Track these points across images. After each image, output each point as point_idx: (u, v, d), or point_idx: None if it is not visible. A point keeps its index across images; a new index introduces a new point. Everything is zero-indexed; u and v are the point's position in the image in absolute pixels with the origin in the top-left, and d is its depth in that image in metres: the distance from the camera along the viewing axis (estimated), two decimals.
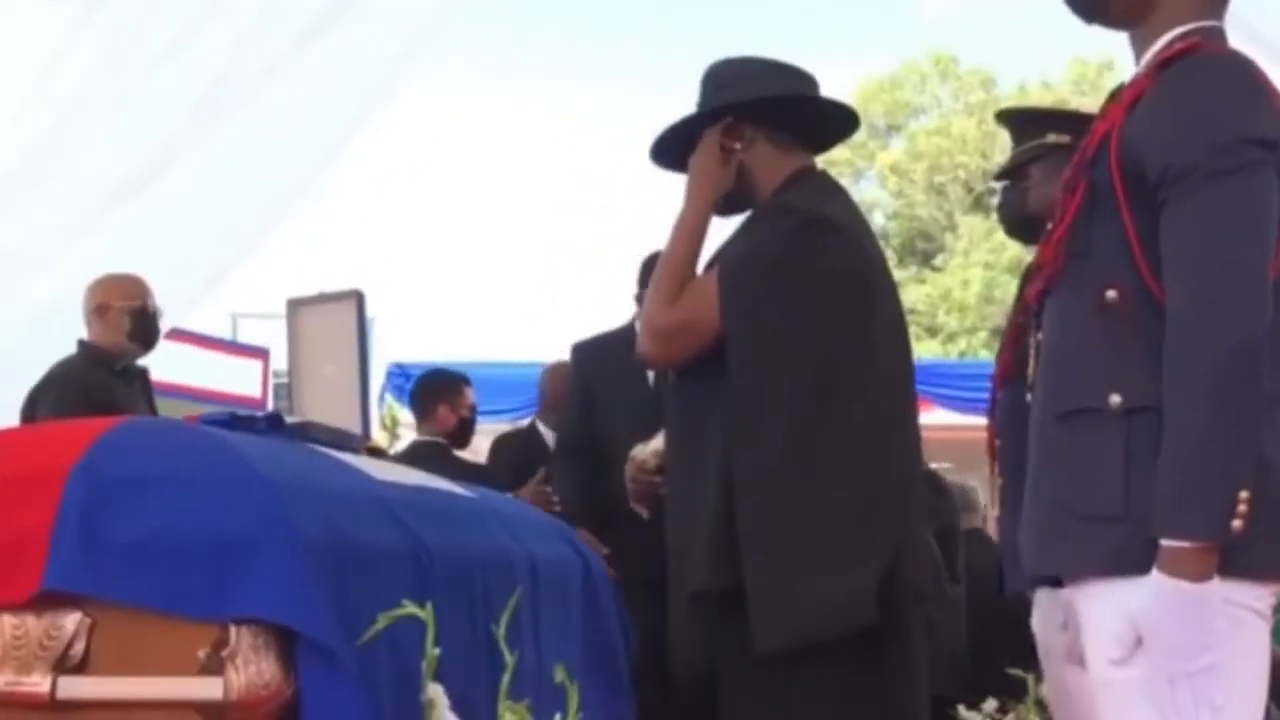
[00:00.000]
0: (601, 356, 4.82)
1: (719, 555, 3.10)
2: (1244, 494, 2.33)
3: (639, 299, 4.74)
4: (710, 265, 3.28)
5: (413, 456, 5.96)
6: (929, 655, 3.33)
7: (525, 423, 6.94)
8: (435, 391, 6.64)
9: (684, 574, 3.23)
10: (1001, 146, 4.37)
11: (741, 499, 3.08)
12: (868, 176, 29.96)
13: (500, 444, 6.64)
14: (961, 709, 5.44)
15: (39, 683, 2.51)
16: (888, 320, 3.30)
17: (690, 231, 3.32)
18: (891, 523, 3.11)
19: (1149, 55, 2.60)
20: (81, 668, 2.51)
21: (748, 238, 3.28)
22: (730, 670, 3.14)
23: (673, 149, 3.44)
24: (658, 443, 3.60)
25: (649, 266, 4.67)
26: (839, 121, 3.55)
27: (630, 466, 3.73)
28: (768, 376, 3.12)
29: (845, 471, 3.07)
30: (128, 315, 5.43)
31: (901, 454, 3.23)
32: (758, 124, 3.34)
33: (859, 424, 3.10)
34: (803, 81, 3.43)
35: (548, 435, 6.24)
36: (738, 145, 3.33)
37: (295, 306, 5.02)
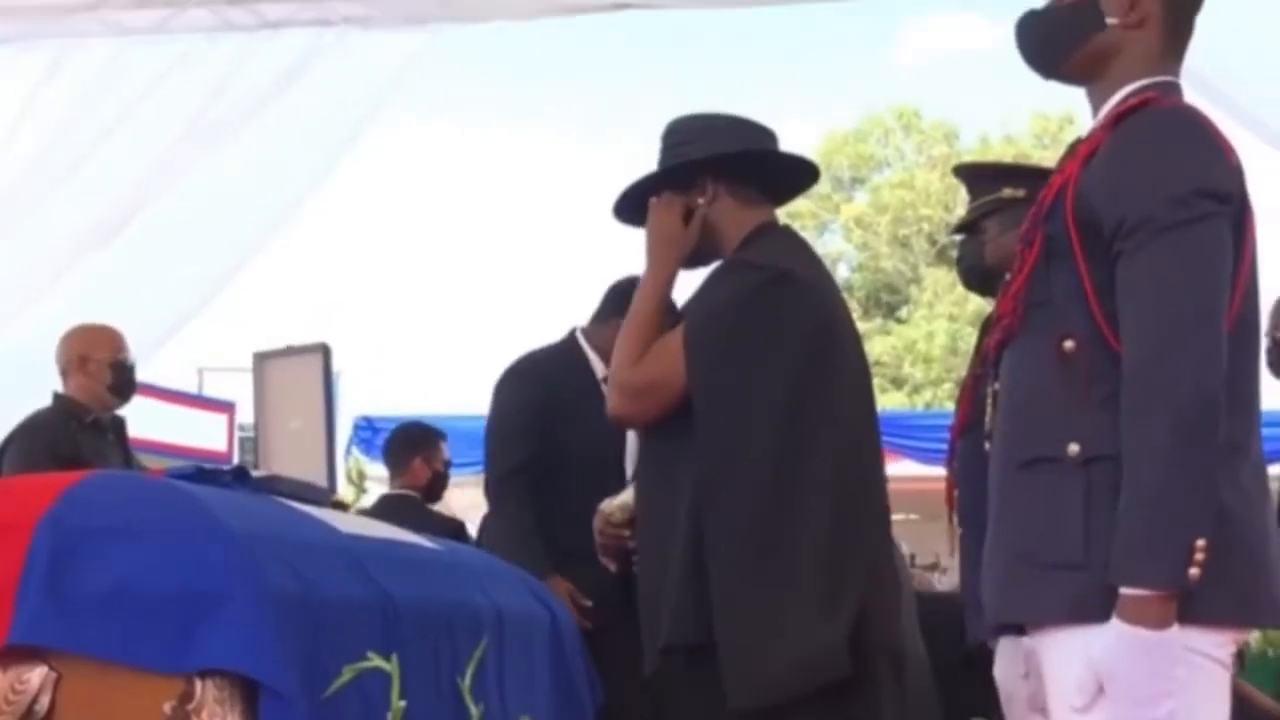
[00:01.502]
0: (561, 372, 4.76)
1: (689, 610, 3.11)
2: (1201, 542, 2.35)
3: (598, 319, 4.76)
4: (675, 321, 3.29)
5: (384, 509, 5.93)
6: (898, 703, 3.33)
7: None
8: (410, 444, 6.60)
9: (655, 627, 3.23)
10: (965, 199, 4.42)
11: (710, 554, 3.09)
12: (832, 229, 30.11)
13: None
14: None
15: None
16: (851, 374, 3.31)
17: (654, 292, 3.34)
18: (860, 575, 3.12)
19: (1105, 109, 2.65)
20: None
21: (712, 294, 3.30)
22: None
23: (636, 205, 3.47)
24: (626, 497, 3.61)
25: (618, 291, 4.67)
26: (799, 174, 3.58)
27: (598, 520, 3.74)
28: (733, 433, 3.14)
29: (812, 526, 3.07)
30: (109, 368, 5.40)
31: (867, 507, 3.24)
32: (719, 179, 3.36)
33: (824, 478, 3.11)
34: (762, 135, 3.46)
35: None
36: (701, 201, 3.36)
37: (261, 360, 5.02)
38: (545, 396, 4.68)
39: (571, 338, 4.79)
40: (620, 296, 4.50)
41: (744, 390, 3.14)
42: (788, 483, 3.09)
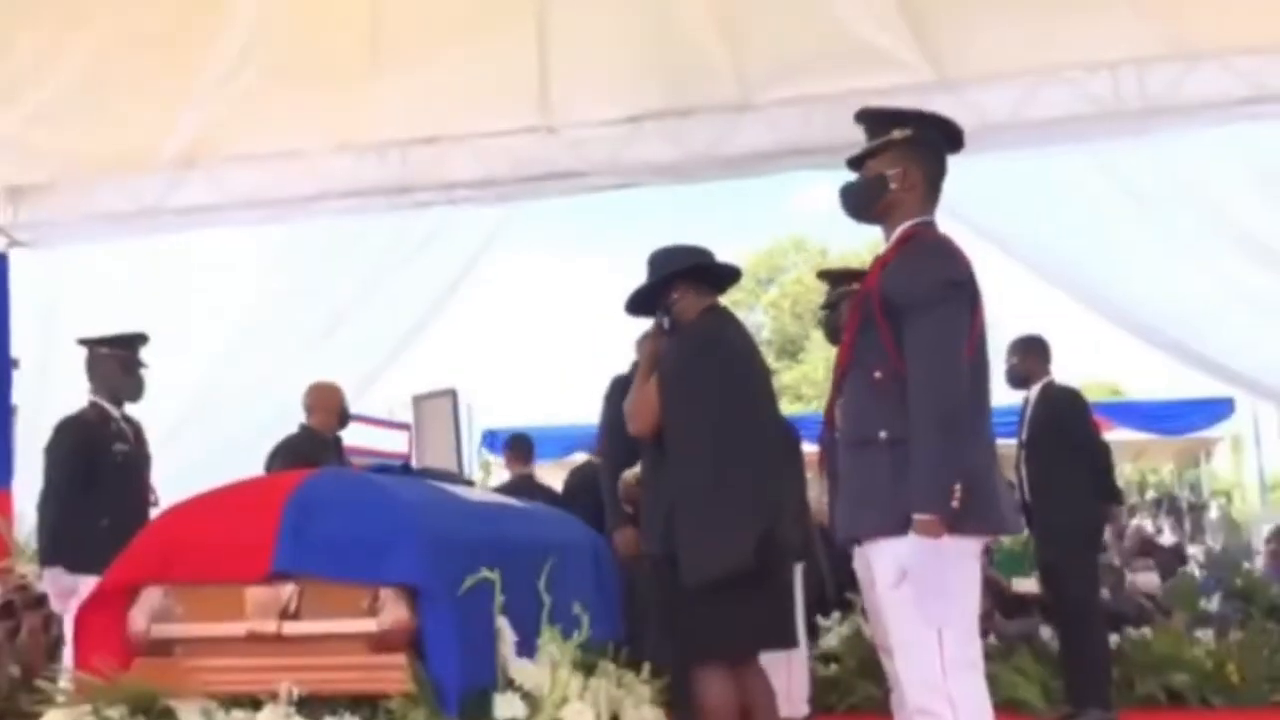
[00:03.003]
0: None
1: (667, 533, 3.14)
2: (958, 486, 2.37)
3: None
4: (653, 370, 3.33)
5: (517, 484, 5.78)
6: (808, 589, 3.32)
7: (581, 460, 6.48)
8: (530, 446, 6.48)
9: (651, 544, 3.27)
10: (825, 289, 4.46)
11: (675, 502, 3.13)
12: (755, 309, 30.04)
13: (574, 474, 5.88)
14: (820, 619, 5.45)
15: (271, 625, 2.54)
16: (756, 386, 3.32)
17: (646, 369, 3.34)
18: (764, 509, 3.10)
19: (893, 238, 2.66)
20: (296, 616, 2.54)
21: (673, 350, 3.31)
22: (673, 595, 3.16)
23: (639, 303, 3.48)
24: (637, 469, 3.64)
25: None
26: (731, 275, 3.56)
27: (621, 484, 3.80)
28: (686, 432, 3.16)
29: (732, 481, 3.08)
30: (338, 410, 5.29)
31: (770, 469, 3.21)
32: (684, 282, 3.37)
33: (739, 454, 3.11)
34: (703, 254, 3.46)
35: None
36: (675, 296, 3.35)
37: (417, 400, 5.05)
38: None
39: None
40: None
41: (692, 407, 3.16)
42: (716, 459, 3.10)
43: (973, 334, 2.49)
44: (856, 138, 2.80)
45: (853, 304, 2.73)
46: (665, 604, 3.21)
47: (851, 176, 2.76)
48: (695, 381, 3.17)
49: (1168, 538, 11.43)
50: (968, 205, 5.05)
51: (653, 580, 3.30)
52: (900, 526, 2.43)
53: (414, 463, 4.10)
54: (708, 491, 3.07)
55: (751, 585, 3.02)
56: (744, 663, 3.16)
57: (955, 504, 2.36)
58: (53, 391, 5.72)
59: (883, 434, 2.50)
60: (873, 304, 2.55)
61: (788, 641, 3.34)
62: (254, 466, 4.68)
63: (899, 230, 2.63)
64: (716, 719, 3.06)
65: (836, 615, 5.48)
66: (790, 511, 3.38)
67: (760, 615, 3.08)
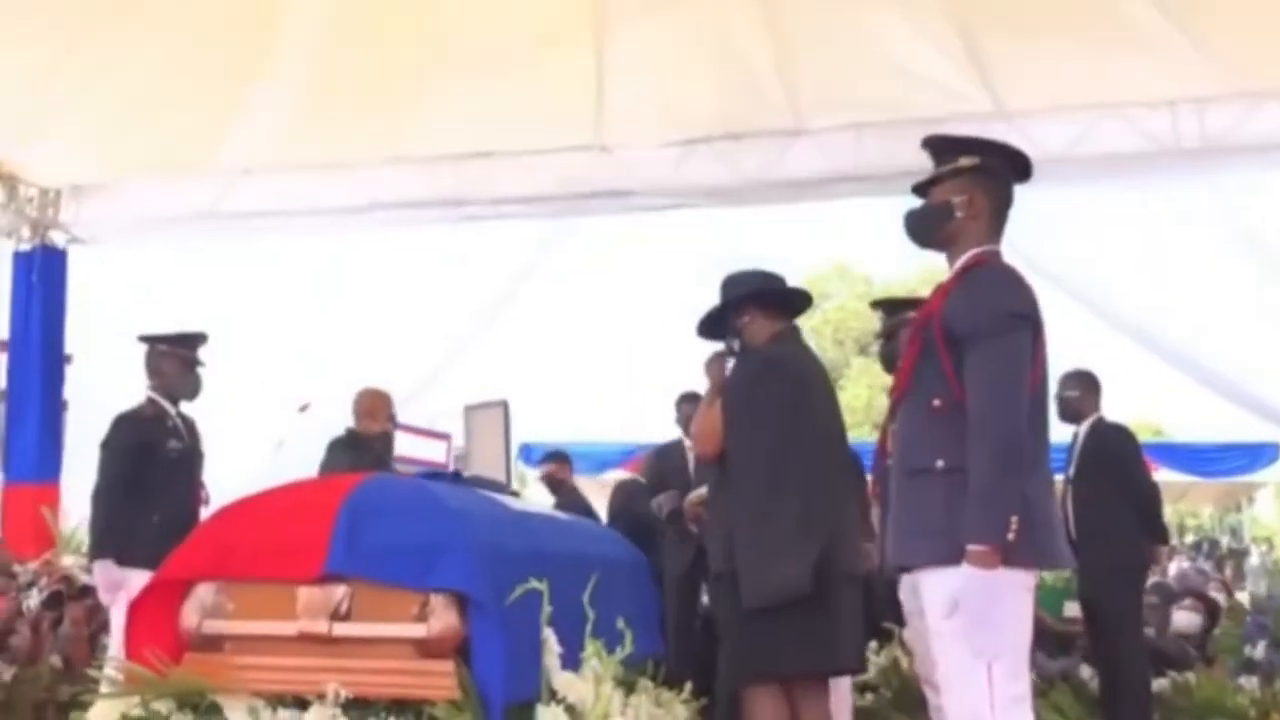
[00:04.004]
0: None
1: (729, 552, 3.12)
2: (1014, 518, 2.33)
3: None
4: (718, 394, 3.32)
5: (570, 499, 5.74)
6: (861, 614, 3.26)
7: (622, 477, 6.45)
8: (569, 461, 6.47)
9: (714, 562, 3.25)
10: (880, 317, 4.41)
11: (733, 523, 3.11)
12: None
13: (617, 491, 5.84)
14: None
15: (322, 626, 2.56)
16: (821, 412, 3.28)
17: (711, 395, 3.34)
18: (822, 532, 3.07)
19: (956, 265, 2.61)
20: (346, 617, 2.55)
21: (736, 373, 3.30)
22: (730, 615, 3.15)
23: (711, 327, 3.44)
24: (702, 491, 3.63)
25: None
26: (801, 299, 3.52)
27: (687, 505, 3.81)
28: (745, 453, 3.13)
29: (790, 504, 3.04)
30: (389, 416, 5.13)
31: (830, 492, 3.17)
32: (754, 306, 3.34)
33: (798, 477, 3.08)
34: (774, 279, 3.44)
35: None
36: (745, 319, 3.33)
37: (469, 410, 5.09)
38: None
39: None
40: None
41: (753, 431, 3.13)
42: (772, 482, 3.07)
43: (1035, 366, 2.45)
44: (909, 165, 2.78)
45: (912, 329, 2.69)
46: (727, 623, 3.19)
47: (914, 202, 2.72)
48: (757, 405, 3.15)
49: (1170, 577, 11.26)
50: (1020, 237, 5.00)
51: (716, 597, 3.28)
52: (953, 556, 2.38)
53: (461, 471, 4.17)
54: (764, 514, 3.05)
55: (811, 607, 2.99)
56: (800, 684, 3.12)
57: (1011, 535, 2.31)
58: (103, 387, 5.81)
59: (939, 463, 2.45)
60: (934, 331, 2.51)
61: (844, 665, 3.28)
62: (304, 468, 4.70)
63: (963, 258, 2.58)
64: None
65: (874, 645, 5.41)
66: (852, 536, 3.33)
67: (814, 637, 3.03)
